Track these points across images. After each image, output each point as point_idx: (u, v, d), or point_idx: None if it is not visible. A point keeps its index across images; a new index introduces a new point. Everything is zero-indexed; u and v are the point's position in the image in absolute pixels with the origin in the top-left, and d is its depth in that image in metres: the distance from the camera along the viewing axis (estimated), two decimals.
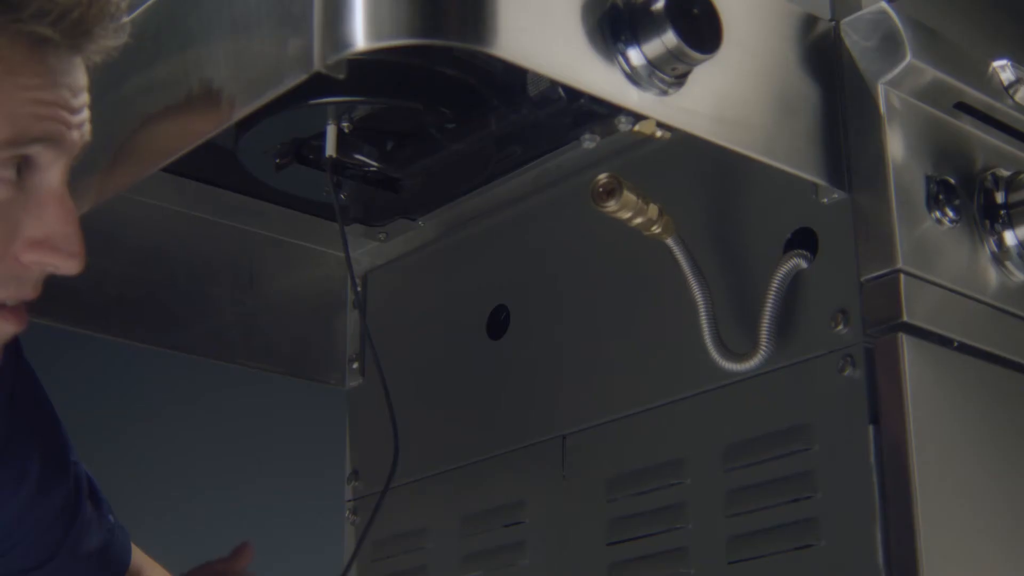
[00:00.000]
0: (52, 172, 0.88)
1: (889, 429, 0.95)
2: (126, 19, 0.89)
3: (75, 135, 0.88)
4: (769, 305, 1.01)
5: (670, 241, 1.02)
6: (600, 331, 1.13)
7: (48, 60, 0.86)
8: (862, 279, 0.99)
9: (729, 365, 1.02)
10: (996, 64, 1.07)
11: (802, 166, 0.99)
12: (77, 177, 1.01)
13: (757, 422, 1.02)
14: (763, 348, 1.00)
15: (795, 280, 1.02)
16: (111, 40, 0.88)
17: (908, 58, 1.00)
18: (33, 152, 0.86)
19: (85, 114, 0.90)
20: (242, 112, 0.92)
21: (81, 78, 0.89)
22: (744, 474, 1.02)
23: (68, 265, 0.89)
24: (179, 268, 1.29)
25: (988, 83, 1.06)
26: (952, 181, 1.03)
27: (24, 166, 0.86)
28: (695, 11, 0.90)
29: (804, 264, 1.01)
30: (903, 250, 0.98)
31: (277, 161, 1.09)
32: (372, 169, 1.11)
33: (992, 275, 1.03)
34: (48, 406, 1.11)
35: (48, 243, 0.88)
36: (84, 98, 0.90)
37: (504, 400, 1.20)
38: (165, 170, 1.00)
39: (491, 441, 1.19)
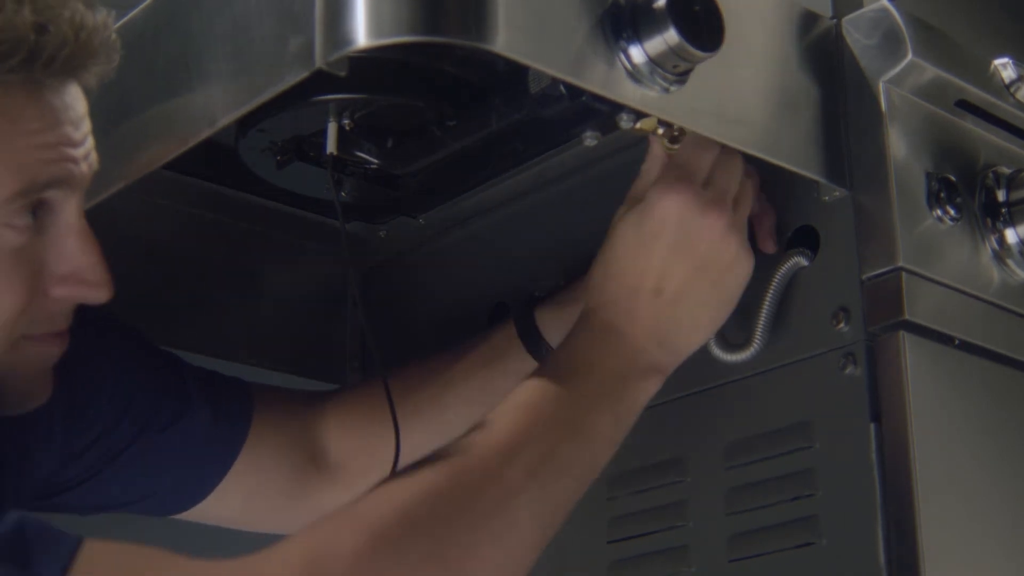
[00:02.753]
0: (67, 209, 0.88)
1: (890, 427, 0.95)
2: (115, 37, 0.89)
3: (84, 168, 0.89)
4: (768, 301, 1.01)
5: None
6: None
7: (46, 100, 0.86)
8: (863, 277, 0.99)
9: (723, 355, 1.02)
10: (997, 62, 1.07)
11: (803, 164, 0.99)
12: None
13: (758, 420, 1.02)
14: (756, 341, 1.01)
15: (796, 278, 1.02)
16: (104, 65, 0.88)
17: (909, 56, 1.00)
18: (46, 196, 0.86)
19: (90, 143, 0.90)
20: (243, 110, 0.92)
21: (80, 107, 0.89)
22: (745, 472, 1.02)
23: (96, 295, 0.91)
24: (179, 266, 1.29)
25: (989, 81, 1.06)
26: (953, 179, 1.03)
27: (39, 208, 0.87)
28: (696, 8, 0.90)
29: (805, 262, 1.01)
30: (904, 248, 0.98)
31: (278, 159, 1.09)
32: (373, 166, 1.11)
33: (993, 273, 1.03)
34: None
35: (74, 277, 0.89)
36: (86, 126, 0.90)
37: None
38: (165, 167, 1.00)
39: None
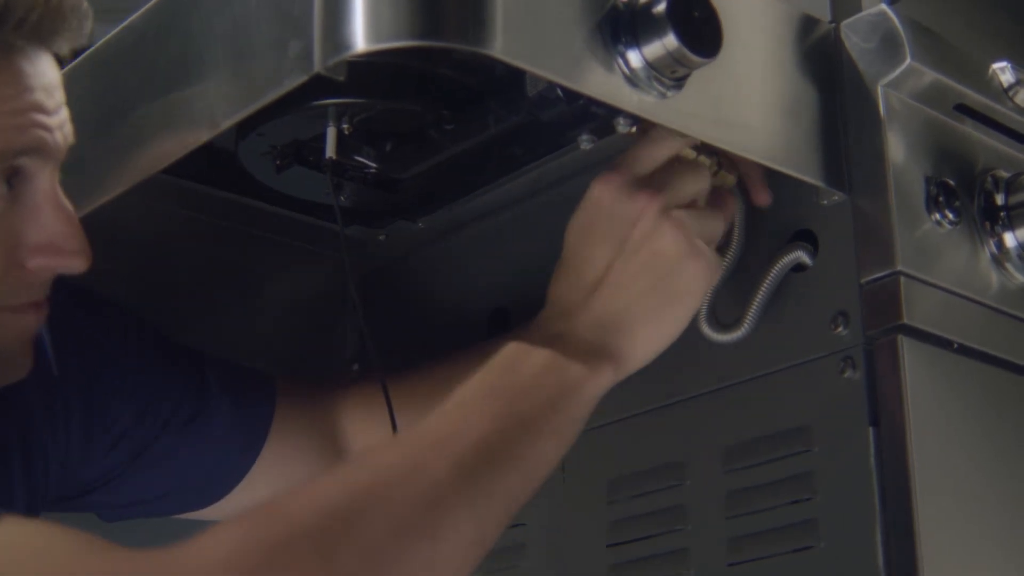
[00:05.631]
0: (41, 177, 0.88)
1: (889, 431, 0.95)
2: (87, 6, 0.88)
3: (58, 137, 0.88)
4: (764, 287, 1.01)
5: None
6: None
7: (16, 65, 0.85)
8: (862, 281, 0.99)
9: (712, 334, 1.03)
10: (996, 66, 1.07)
11: (802, 168, 0.99)
12: (77, 179, 1.01)
13: (757, 424, 1.02)
14: (746, 324, 1.01)
15: (795, 282, 1.02)
16: (76, 32, 0.88)
17: (908, 60, 1.00)
18: (19, 164, 0.86)
19: (64, 113, 0.89)
20: (243, 114, 0.92)
21: (53, 75, 0.88)
22: (744, 476, 1.02)
23: (74, 264, 0.90)
24: (178, 270, 1.29)
25: (988, 85, 1.06)
26: (952, 183, 1.03)
27: (13, 177, 0.86)
28: (696, 14, 0.90)
29: (806, 257, 1.01)
30: (902, 252, 0.98)
31: (277, 163, 1.09)
32: (372, 170, 1.11)
33: (992, 277, 1.03)
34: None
35: (51, 246, 0.89)
36: (60, 96, 0.89)
37: None
38: (165, 172, 1.00)
39: None
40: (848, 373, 0.98)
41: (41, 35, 0.86)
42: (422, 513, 0.79)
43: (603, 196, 0.95)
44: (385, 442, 0.86)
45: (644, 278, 0.93)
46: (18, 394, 0.98)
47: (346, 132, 1.04)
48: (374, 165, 1.10)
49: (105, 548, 0.76)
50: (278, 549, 0.74)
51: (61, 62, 0.90)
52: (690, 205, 0.97)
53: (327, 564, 0.75)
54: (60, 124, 0.88)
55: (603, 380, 0.91)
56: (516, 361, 0.90)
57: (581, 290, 0.94)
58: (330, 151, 1.04)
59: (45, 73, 0.87)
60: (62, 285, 1.04)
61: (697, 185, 0.97)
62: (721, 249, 1.02)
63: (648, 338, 0.94)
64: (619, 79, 0.89)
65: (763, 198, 1.02)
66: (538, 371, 0.89)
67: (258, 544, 0.74)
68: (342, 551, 0.76)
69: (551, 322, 0.94)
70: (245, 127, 1.04)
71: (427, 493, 0.80)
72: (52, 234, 0.89)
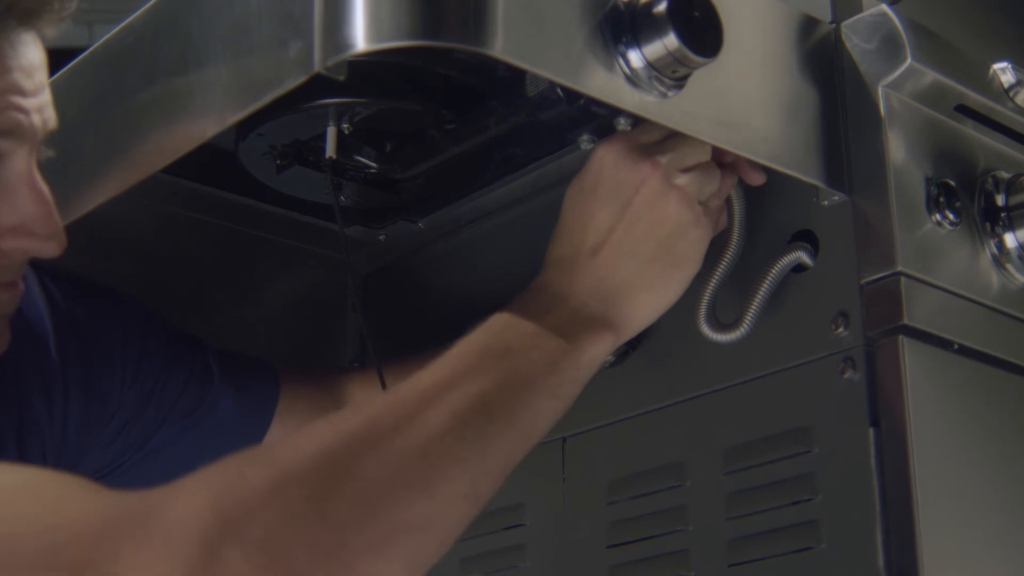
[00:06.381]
0: (16, 159, 0.86)
1: (890, 432, 0.95)
2: None
3: (35, 120, 0.86)
4: (764, 286, 1.01)
5: (732, 193, 1.02)
6: None
7: None
8: (862, 281, 0.99)
9: (712, 334, 1.03)
10: (997, 67, 1.07)
11: (802, 169, 0.99)
12: (77, 179, 1.01)
13: (757, 424, 1.02)
14: (745, 324, 1.01)
15: (795, 283, 1.02)
16: (59, 11, 0.86)
17: (909, 60, 1.00)
18: None
19: (45, 96, 0.87)
20: (242, 114, 0.92)
21: (34, 55, 0.86)
22: (744, 477, 1.02)
23: (47, 248, 0.89)
24: (178, 270, 1.29)
25: (989, 86, 1.06)
26: (952, 183, 1.03)
27: None
28: (696, 14, 0.90)
29: (807, 258, 1.01)
30: (903, 253, 0.98)
31: (277, 163, 1.09)
32: (372, 170, 1.11)
33: (993, 278, 1.03)
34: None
35: (23, 228, 0.88)
36: (40, 77, 0.87)
37: None
38: (165, 172, 1.00)
39: None
40: (849, 374, 0.97)
41: (20, 14, 0.84)
42: (416, 463, 0.77)
43: (606, 160, 0.95)
44: (381, 393, 0.82)
45: (647, 245, 0.94)
46: (15, 383, 0.98)
47: (346, 132, 1.04)
48: (374, 165, 1.10)
49: (92, 488, 0.73)
50: (268, 493, 0.71)
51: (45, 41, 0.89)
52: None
53: (318, 510, 0.72)
54: (39, 107, 0.87)
55: (603, 346, 0.91)
56: (517, 320, 0.89)
57: (582, 253, 0.94)
58: (330, 151, 1.04)
59: (24, 54, 0.86)
60: (62, 274, 1.04)
61: (698, 155, 0.97)
62: (721, 249, 1.02)
63: (649, 304, 0.94)
64: (620, 79, 0.89)
65: (756, 178, 1.01)
66: (539, 331, 0.88)
67: (248, 487, 0.71)
68: (334, 497, 0.73)
69: (552, 285, 0.94)
70: (245, 127, 1.04)
71: (422, 443, 0.78)
72: (25, 216, 0.87)
